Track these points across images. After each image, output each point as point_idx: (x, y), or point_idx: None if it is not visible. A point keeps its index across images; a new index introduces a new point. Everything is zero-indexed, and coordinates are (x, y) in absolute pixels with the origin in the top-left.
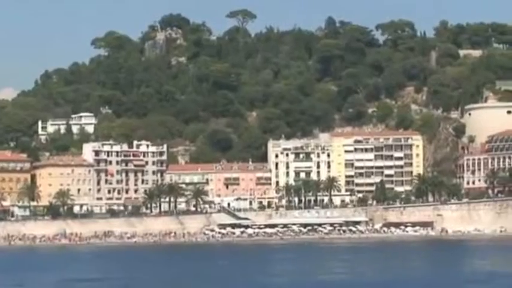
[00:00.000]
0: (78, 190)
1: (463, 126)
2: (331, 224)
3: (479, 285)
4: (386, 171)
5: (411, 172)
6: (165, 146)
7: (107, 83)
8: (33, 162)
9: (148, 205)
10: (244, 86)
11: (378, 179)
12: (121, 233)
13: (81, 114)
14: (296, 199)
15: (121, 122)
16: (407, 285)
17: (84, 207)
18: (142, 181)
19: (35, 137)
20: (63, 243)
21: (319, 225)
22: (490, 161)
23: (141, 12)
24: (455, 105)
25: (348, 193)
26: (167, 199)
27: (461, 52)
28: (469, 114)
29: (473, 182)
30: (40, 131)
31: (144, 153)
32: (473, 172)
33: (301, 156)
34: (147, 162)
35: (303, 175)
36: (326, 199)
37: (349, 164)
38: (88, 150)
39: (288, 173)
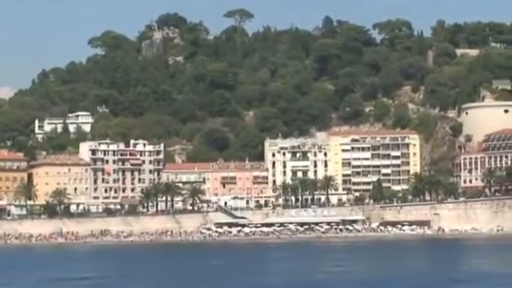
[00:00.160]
0: (75, 189)
1: (460, 126)
2: (328, 223)
3: (469, 285)
4: (384, 170)
5: (408, 171)
6: (161, 145)
7: (104, 82)
8: (30, 161)
9: (145, 204)
10: (241, 85)
11: (374, 178)
12: (117, 232)
13: (78, 113)
14: (293, 198)
15: (118, 121)
16: (398, 285)
17: (81, 206)
18: (139, 180)
19: (31, 136)
20: (59, 242)
21: (316, 224)
22: (487, 160)
23: (138, 12)
24: (452, 105)
25: (345, 192)
26: (164, 198)
27: (459, 51)
28: (466, 113)
29: (470, 181)
30: (37, 130)
31: (141, 152)
32: (470, 171)
33: (298, 155)
34: (143, 161)
35: (300, 174)
36: (323, 198)
37: (346, 163)
38: (85, 149)
39: (284, 172)
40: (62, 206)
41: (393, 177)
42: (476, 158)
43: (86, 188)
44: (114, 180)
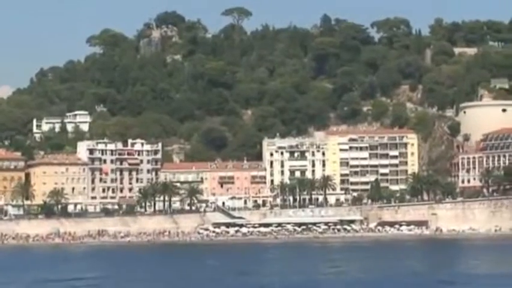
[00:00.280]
0: (73, 189)
1: (458, 125)
2: (326, 223)
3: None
4: (381, 170)
5: (406, 171)
6: (159, 144)
7: (102, 81)
8: (27, 161)
9: (143, 204)
10: (240, 83)
11: (372, 178)
12: (115, 232)
13: (76, 112)
14: (291, 198)
15: (116, 120)
16: (390, 285)
17: (79, 206)
18: (137, 180)
19: (29, 136)
20: (56, 243)
21: (314, 224)
22: (484, 159)
23: (136, 10)
24: (451, 104)
25: (343, 192)
26: (161, 198)
27: (457, 50)
28: (464, 112)
29: (468, 181)
30: (35, 130)
31: (139, 152)
32: (468, 171)
33: (296, 154)
34: (141, 161)
35: (297, 174)
36: (321, 198)
37: (344, 163)
38: (82, 149)
39: (282, 172)
40: (60, 206)
41: (391, 177)
42: (474, 157)
43: (84, 188)
44: (112, 180)
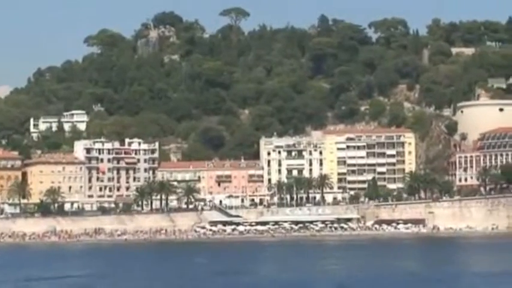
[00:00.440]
0: (70, 188)
1: (455, 124)
2: (323, 221)
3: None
4: (379, 169)
5: (403, 170)
6: (156, 143)
7: (100, 80)
8: (24, 160)
9: (140, 202)
10: (237, 83)
11: (370, 177)
12: (111, 231)
13: (73, 111)
14: (288, 196)
15: (113, 120)
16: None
17: (75, 205)
18: (134, 179)
19: (26, 135)
20: (53, 241)
21: (311, 222)
22: (482, 158)
23: (134, 10)
24: (448, 103)
25: (340, 190)
26: (158, 197)
27: (454, 50)
28: (461, 111)
29: (466, 180)
30: (32, 129)
31: (136, 151)
32: (465, 169)
33: (293, 153)
34: (138, 160)
35: (295, 173)
36: (318, 196)
37: (341, 162)
38: (79, 148)
39: (280, 171)
40: (56, 205)
41: (388, 175)
42: (471, 156)
43: (81, 187)
44: (109, 179)
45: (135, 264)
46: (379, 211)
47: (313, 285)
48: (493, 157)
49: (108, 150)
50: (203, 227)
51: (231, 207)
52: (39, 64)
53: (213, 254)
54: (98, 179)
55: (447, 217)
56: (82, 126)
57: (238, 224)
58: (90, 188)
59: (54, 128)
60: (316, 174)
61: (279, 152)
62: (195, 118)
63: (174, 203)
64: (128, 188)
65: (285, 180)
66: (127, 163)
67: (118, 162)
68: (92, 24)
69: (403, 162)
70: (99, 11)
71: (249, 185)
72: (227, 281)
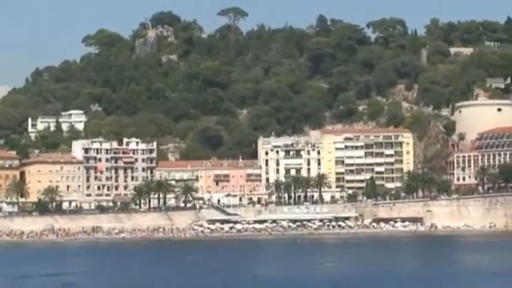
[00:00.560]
0: (68, 187)
1: (454, 124)
2: (321, 220)
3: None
4: (377, 169)
5: (401, 169)
6: (154, 143)
7: (98, 80)
8: (22, 160)
9: (138, 201)
10: (235, 83)
11: (368, 176)
12: (109, 229)
13: (71, 111)
14: (286, 195)
15: (111, 120)
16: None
17: (73, 204)
18: (132, 178)
19: (24, 135)
20: (50, 239)
21: (308, 220)
22: (480, 158)
23: (132, 10)
24: (446, 103)
25: (339, 189)
26: (156, 195)
27: (452, 50)
28: (460, 111)
29: (464, 179)
30: (30, 129)
31: (134, 151)
32: (463, 169)
33: (291, 153)
34: (136, 160)
35: (293, 172)
36: (316, 195)
37: (339, 161)
38: (77, 148)
39: (278, 170)
40: (54, 204)
41: (386, 175)
42: (469, 156)
43: (79, 186)
44: (107, 178)
45: (129, 262)
46: (377, 209)
47: (310, 283)
48: (491, 157)
49: (106, 149)
50: (201, 226)
51: (228, 206)
52: (37, 64)
53: (208, 253)
54: (96, 178)
55: (445, 215)
56: (80, 126)
57: (236, 222)
58: (88, 187)
59: (52, 128)
60: (314, 173)
61: (277, 152)
62: (193, 118)
63: (172, 202)
64: (126, 187)
65: (283, 180)
66: (125, 162)
67: (116, 162)
68: (89, 24)
69: (401, 161)
70: (97, 11)
71: (247, 184)
72: (216, 279)
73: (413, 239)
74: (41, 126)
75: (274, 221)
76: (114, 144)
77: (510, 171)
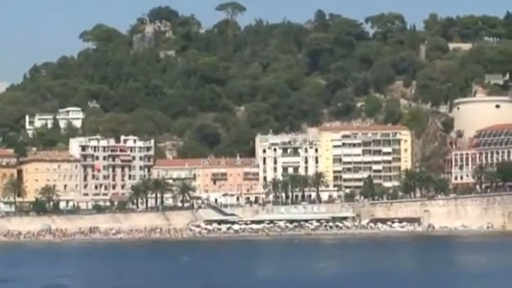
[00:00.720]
0: (65, 186)
1: (452, 121)
2: (318, 220)
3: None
4: (375, 167)
5: (399, 167)
6: (152, 141)
7: (95, 77)
8: (19, 158)
9: (135, 201)
10: (233, 79)
11: (366, 174)
12: (106, 229)
13: (69, 108)
14: (283, 194)
15: (108, 117)
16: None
17: (71, 203)
18: (130, 176)
19: (22, 132)
20: (47, 240)
21: (306, 221)
22: (478, 156)
23: (130, 5)
24: (444, 99)
25: (336, 189)
26: (154, 195)
27: (451, 45)
28: (458, 108)
29: (461, 178)
30: (27, 126)
31: (131, 148)
32: (461, 167)
33: (289, 151)
34: (134, 157)
35: (290, 170)
36: (313, 195)
37: (337, 159)
38: (75, 146)
39: (275, 168)
40: (51, 203)
41: (384, 173)
42: (467, 154)
43: (76, 185)
44: (104, 177)
45: (126, 264)
46: (375, 209)
47: (308, 284)
48: (489, 155)
49: (104, 147)
50: (198, 226)
51: (226, 206)
52: (35, 60)
53: (206, 253)
54: (93, 176)
55: (442, 216)
56: (77, 123)
57: (233, 222)
58: (85, 186)
59: (49, 125)
60: (311, 171)
61: (275, 150)
62: (190, 115)
63: (169, 201)
64: (123, 186)
65: (281, 178)
66: (122, 160)
67: (113, 160)
68: (87, 19)
69: (399, 159)
70: (95, 6)
71: (244, 183)
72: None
73: (410, 239)
74: (38, 123)
75: (271, 222)
76: (112, 142)
77: (508, 170)
